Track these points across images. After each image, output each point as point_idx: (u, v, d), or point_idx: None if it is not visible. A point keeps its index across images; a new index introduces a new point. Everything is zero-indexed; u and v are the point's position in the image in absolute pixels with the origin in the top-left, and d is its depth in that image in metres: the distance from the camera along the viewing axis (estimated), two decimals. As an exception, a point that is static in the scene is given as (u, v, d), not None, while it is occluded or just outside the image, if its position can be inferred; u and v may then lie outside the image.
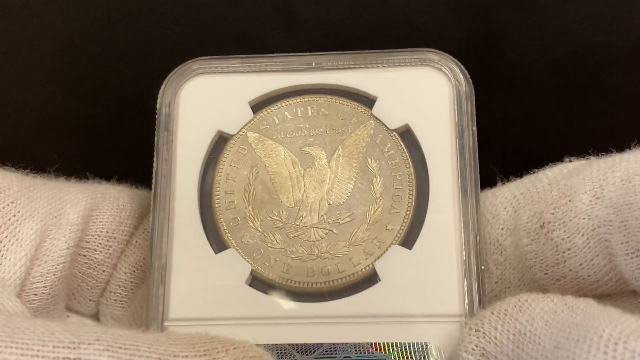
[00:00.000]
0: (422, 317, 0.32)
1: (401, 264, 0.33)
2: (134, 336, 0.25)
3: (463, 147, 0.34)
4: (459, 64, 0.35)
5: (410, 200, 0.34)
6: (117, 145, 0.38)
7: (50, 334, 0.25)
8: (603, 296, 0.33)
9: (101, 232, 0.36)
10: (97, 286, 0.36)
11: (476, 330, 0.29)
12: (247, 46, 0.40)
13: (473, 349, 0.29)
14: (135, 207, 0.37)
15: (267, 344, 0.32)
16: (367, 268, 0.33)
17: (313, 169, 0.35)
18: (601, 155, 0.34)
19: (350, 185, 0.34)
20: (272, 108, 0.36)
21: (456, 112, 0.35)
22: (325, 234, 0.34)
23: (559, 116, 0.44)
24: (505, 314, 0.29)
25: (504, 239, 0.34)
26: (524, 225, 0.34)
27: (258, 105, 0.36)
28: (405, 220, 0.33)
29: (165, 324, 0.33)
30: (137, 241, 0.36)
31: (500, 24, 0.44)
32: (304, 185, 0.34)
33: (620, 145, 0.33)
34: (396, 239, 0.33)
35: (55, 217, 0.34)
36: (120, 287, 0.36)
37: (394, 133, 0.35)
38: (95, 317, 0.38)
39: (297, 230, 0.34)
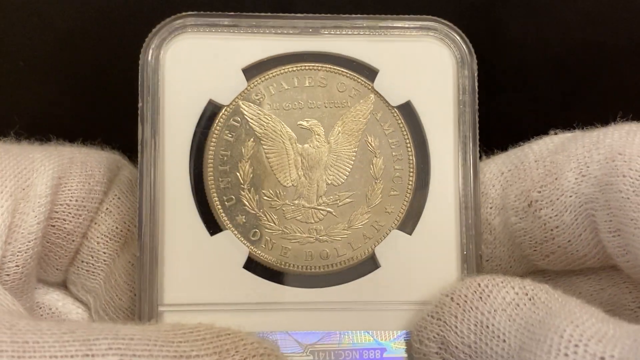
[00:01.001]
0: (421, 304, 0.32)
1: (401, 250, 0.33)
2: (145, 337, 0.25)
3: (465, 128, 0.33)
4: (462, 33, 0.34)
5: (410, 182, 0.33)
6: (118, 145, 0.36)
7: (61, 347, 0.24)
8: (589, 270, 0.35)
9: (70, 201, 0.33)
10: (66, 256, 0.34)
11: (437, 319, 0.30)
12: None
13: (434, 337, 0.30)
14: (104, 171, 0.34)
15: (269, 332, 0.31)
16: (367, 252, 0.33)
17: (311, 145, 0.33)
18: (586, 128, 0.34)
19: (349, 164, 0.33)
20: (267, 76, 0.33)
21: (459, 90, 0.33)
22: (324, 216, 0.33)
23: (559, 116, 0.44)
24: (465, 302, 0.29)
25: (493, 218, 0.34)
26: (512, 204, 0.34)
27: (251, 72, 0.33)
28: (405, 203, 0.33)
29: (160, 309, 0.32)
30: (107, 208, 0.34)
31: (500, 23, 0.44)
32: (302, 164, 0.33)
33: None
34: (395, 222, 0.33)
35: (24, 189, 0.31)
36: (92, 258, 0.34)
37: (395, 110, 0.34)
38: (62, 285, 0.36)
39: (294, 211, 0.33)
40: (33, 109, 0.44)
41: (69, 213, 0.33)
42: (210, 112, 0.33)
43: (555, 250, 0.33)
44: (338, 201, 0.33)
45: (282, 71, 0.33)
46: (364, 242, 0.33)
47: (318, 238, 0.33)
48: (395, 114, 0.33)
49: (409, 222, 0.33)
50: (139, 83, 0.33)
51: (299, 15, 0.34)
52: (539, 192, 0.33)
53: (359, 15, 0.34)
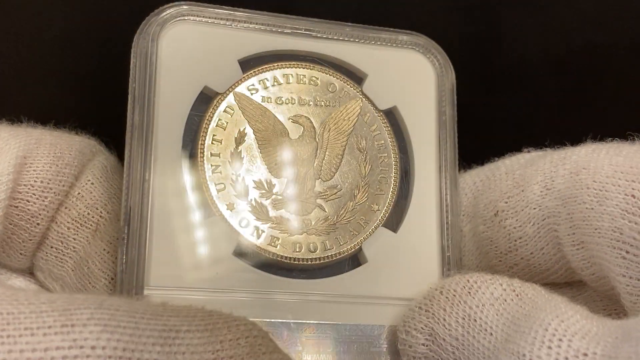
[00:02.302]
0: (406, 300, 0.32)
1: (387, 247, 0.33)
2: (131, 309, 0.23)
3: (446, 134, 0.35)
4: (443, 52, 0.36)
5: (395, 183, 0.34)
6: (118, 145, 0.35)
7: (37, 317, 0.22)
8: (554, 285, 0.36)
9: (35, 181, 0.32)
10: (30, 240, 0.32)
11: (426, 310, 0.30)
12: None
13: (422, 328, 0.30)
14: (75, 154, 0.33)
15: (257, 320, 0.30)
16: (354, 248, 0.33)
17: (302, 140, 0.33)
18: (556, 147, 0.35)
19: (338, 161, 0.34)
20: (262, 69, 0.34)
21: (440, 100, 0.35)
22: (312, 209, 0.33)
23: (559, 116, 0.45)
24: (455, 296, 0.30)
25: (464, 225, 0.35)
26: (481, 212, 0.35)
27: (247, 64, 0.34)
28: (390, 201, 0.34)
29: (146, 291, 0.30)
30: (79, 193, 0.33)
31: (500, 24, 0.44)
32: (292, 157, 0.33)
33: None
34: (381, 220, 0.33)
35: None
36: (62, 244, 0.32)
37: (382, 113, 0.35)
38: (27, 272, 0.34)
39: (283, 202, 0.33)
40: (33, 108, 0.41)
41: (33, 194, 0.32)
42: (205, 98, 0.33)
43: (519, 261, 0.35)
44: (326, 196, 0.33)
45: (276, 66, 0.34)
46: (350, 238, 0.33)
47: (306, 230, 0.32)
48: (382, 118, 0.35)
49: (393, 220, 0.34)
50: (132, 65, 0.32)
51: (292, 16, 0.34)
52: (506, 202, 0.34)
53: (349, 24, 0.35)
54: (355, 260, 0.33)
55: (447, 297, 0.30)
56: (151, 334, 0.23)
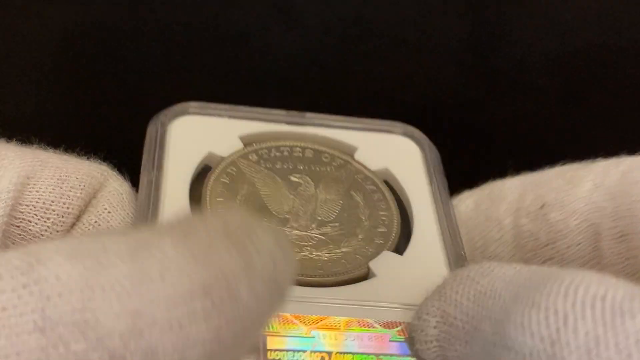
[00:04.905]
0: (413, 307, 0.31)
1: (394, 266, 0.33)
2: (99, 237, 0.22)
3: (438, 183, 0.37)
4: (426, 138, 0.40)
5: (397, 224, 0.35)
6: (117, 146, 0.37)
7: (6, 262, 0.21)
8: None
9: (37, 202, 0.32)
10: None
11: (438, 295, 0.29)
12: (248, 46, 0.41)
13: (434, 311, 0.29)
14: (82, 177, 0.33)
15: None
16: (362, 268, 0.33)
17: (301, 189, 0.36)
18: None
19: (337, 205, 0.36)
20: (262, 145, 0.38)
21: (429, 170, 0.38)
22: (317, 241, 0.34)
23: (559, 116, 0.44)
24: (467, 278, 0.29)
25: (504, 217, 0.36)
26: (526, 207, 0.35)
27: (248, 139, 0.38)
28: (394, 236, 0.35)
29: None
30: (96, 221, 0.33)
31: (500, 24, 0.45)
32: (294, 201, 0.35)
33: (621, 145, 0.35)
34: (387, 248, 0.34)
35: None
36: None
37: (375, 173, 0.37)
38: None
39: (288, 234, 0.34)
40: (33, 109, 0.42)
41: (35, 215, 0.32)
42: (209, 160, 0.36)
43: (554, 255, 0.34)
44: (330, 231, 0.34)
45: (275, 143, 0.38)
46: (357, 260, 0.33)
47: (311, 258, 0.33)
48: (375, 177, 0.37)
49: (399, 248, 0.34)
50: (145, 147, 0.36)
51: (290, 111, 0.39)
52: (554, 196, 0.35)
53: (341, 117, 0.40)
54: (364, 276, 0.33)
55: (459, 281, 0.29)
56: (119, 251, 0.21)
